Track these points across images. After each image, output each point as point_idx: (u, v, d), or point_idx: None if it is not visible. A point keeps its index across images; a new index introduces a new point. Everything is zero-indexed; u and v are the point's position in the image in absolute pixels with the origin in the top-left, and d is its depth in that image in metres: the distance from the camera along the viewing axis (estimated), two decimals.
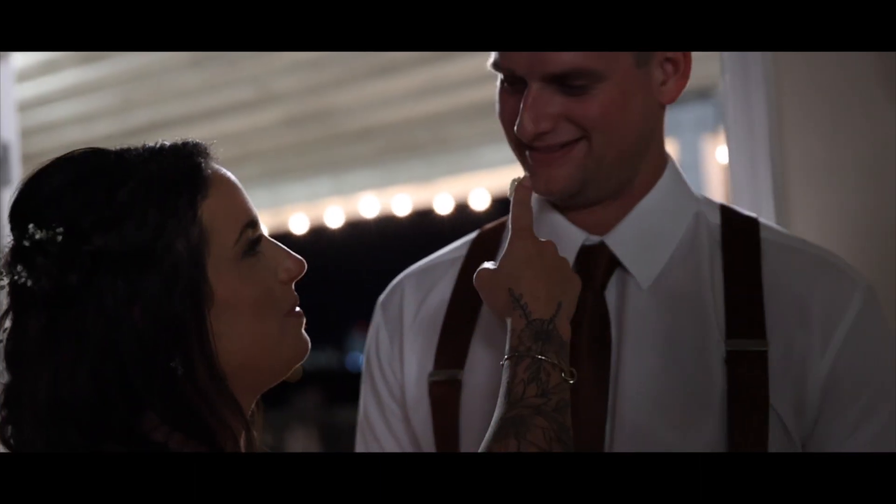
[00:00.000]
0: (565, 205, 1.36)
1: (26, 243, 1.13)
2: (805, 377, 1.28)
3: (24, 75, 4.17)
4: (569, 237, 1.35)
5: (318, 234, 6.62)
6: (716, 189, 5.03)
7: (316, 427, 10.93)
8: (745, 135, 1.70)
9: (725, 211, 1.38)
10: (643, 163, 1.34)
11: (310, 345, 1.24)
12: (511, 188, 1.29)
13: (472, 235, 1.46)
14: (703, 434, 1.27)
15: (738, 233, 1.35)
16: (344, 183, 5.96)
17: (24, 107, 4.23)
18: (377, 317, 1.47)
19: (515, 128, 1.29)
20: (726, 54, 1.71)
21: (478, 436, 1.29)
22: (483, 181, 5.74)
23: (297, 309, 1.23)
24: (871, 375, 1.29)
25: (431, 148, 5.37)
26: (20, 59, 2.88)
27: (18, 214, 1.15)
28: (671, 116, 5.19)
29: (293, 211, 6.42)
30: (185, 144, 1.19)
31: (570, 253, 1.34)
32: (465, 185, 5.81)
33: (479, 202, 5.88)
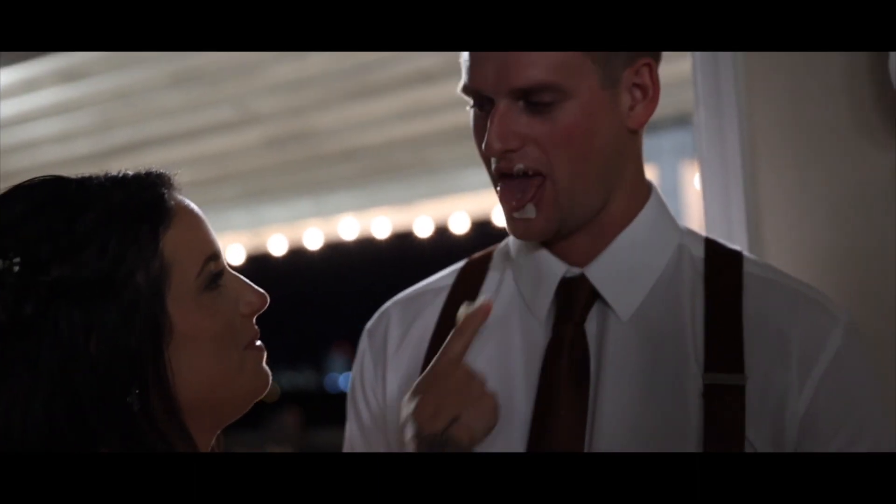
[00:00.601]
0: (568, 230, 1.34)
1: None
2: (783, 413, 1.27)
3: (4, 93, 4.16)
4: (550, 269, 1.35)
5: (298, 255, 6.61)
6: (695, 214, 5.04)
7: (294, 448, 10.89)
8: (718, 168, 1.71)
9: (710, 244, 1.38)
10: (618, 190, 1.34)
11: (270, 378, 1.22)
12: (462, 311, 1.29)
13: (461, 264, 1.47)
14: None
15: (721, 266, 1.35)
16: (324, 204, 5.95)
17: (3, 125, 4.22)
18: (363, 344, 1.48)
19: (483, 146, 1.29)
20: (700, 87, 1.72)
21: None
22: (463, 204, 5.75)
23: (258, 343, 1.21)
24: (848, 413, 1.29)
25: (412, 170, 5.37)
26: None
27: None
28: (651, 142, 5.19)
29: (272, 232, 6.41)
30: (148, 174, 1.17)
31: (550, 284, 1.35)
32: (446, 209, 5.82)
33: (460, 226, 5.89)
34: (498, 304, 1.36)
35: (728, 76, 1.68)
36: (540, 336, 1.35)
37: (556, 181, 1.28)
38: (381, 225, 6.06)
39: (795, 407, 1.27)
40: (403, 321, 1.44)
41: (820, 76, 1.62)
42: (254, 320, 1.20)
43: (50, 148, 5.15)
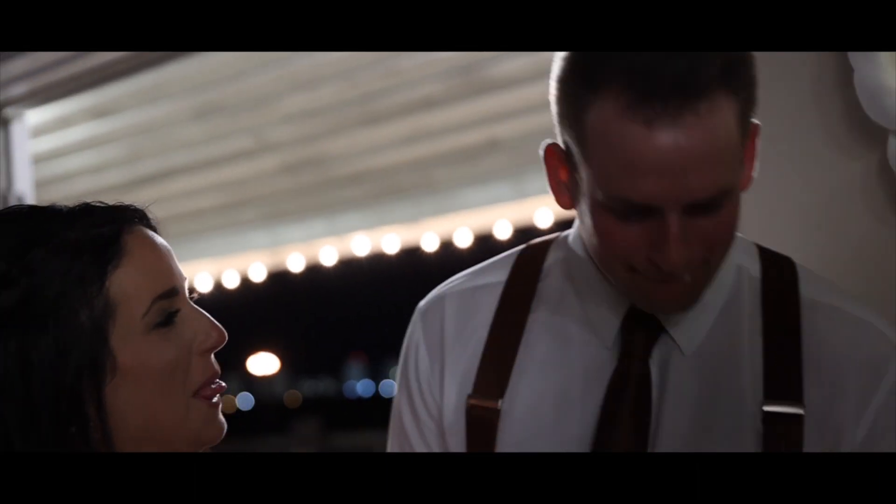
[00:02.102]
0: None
1: None
2: (840, 444, 1.21)
3: (39, 130, 4.18)
4: (618, 299, 1.27)
5: (315, 272, 6.61)
6: None
7: (315, 450, 10.88)
8: None
9: (764, 258, 1.30)
10: None
11: (223, 430, 1.14)
12: None
13: (515, 256, 1.38)
14: None
15: (779, 288, 1.26)
16: (337, 224, 5.95)
17: (39, 159, 4.23)
18: (417, 328, 1.39)
19: (654, 259, 1.15)
20: None
21: None
22: (466, 221, 5.75)
23: (214, 385, 1.13)
24: None
25: (418, 191, 5.37)
26: (35, 116, 2.89)
27: None
28: None
29: (290, 251, 6.41)
30: (113, 209, 1.12)
31: (618, 310, 1.27)
32: (450, 225, 5.81)
33: (463, 240, 5.89)
34: (558, 312, 1.30)
35: None
36: (601, 359, 1.28)
37: (712, 266, 1.21)
38: (390, 242, 6.07)
39: (853, 437, 1.21)
40: (459, 317, 1.35)
41: (792, 92, 1.62)
42: (212, 359, 1.14)
43: (83, 179, 5.16)
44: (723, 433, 1.22)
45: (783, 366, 1.21)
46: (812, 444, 1.20)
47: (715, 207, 1.14)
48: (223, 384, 1.15)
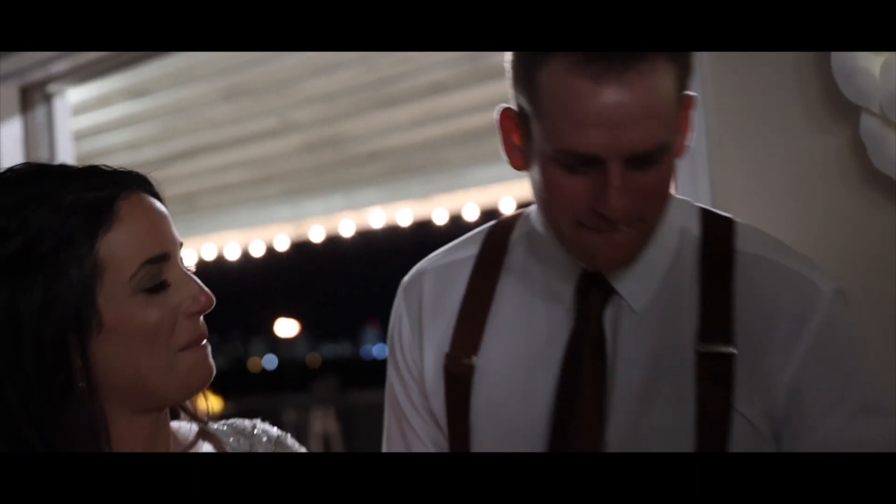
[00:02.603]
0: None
1: None
2: (771, 387, 1.22)
3: (80, 109, 4.17)
4: (573, 263, 1.29)
5: (334, 243, 6.61)
6: None
7: (333, 407, 10.94)
8: (687, 159, 1.70)
9: (704, 218, 1.31)
10: None
11: (212, 373, 1.12)
12: None
13: (486, 232, 1.39)
14: (682, 431, 1.22)
15: (715, 244, 1.27)
16: (354, 199, 5.94)
17: (80, 136, 4.23)
18: (400, 302, 1.42)
19: (597, 207, 1.17)
20: None
21: (489, 420, 1.29)
22: (474, 197, 5.74)
23: (203, 343, 1.12)
24: (833, 381, 1.22)
25: (429, 169, 5.36)
26: (76, 95, 2.88)
27: None
28: None
29: (312, 224, 6.41)
30: (114, 174, 1.11)
31: (571, 275, 1.29)
32: (459, 201, 5.80)
33: (471, 215, 5.89)
34: (524, 278, 1.32)
35: (695, 75, 1.67)
36: (564, 324, 1.30)
37: (649, 222, 1.22)
38: (403, 215, 6.07)
39: (781, 381, 1.21)
40: (436, 290, 1.38)
41: (772, 70, 1.61)
42: (200, 320, 1.12)
43: (120, 155, 5.16)
44: (669, 380, 1.24)
45: (716, 311, 1.22)
46: (745, 386, 1.21)
47: (652, 162, 1.16)
48: (204, 340, 1.13)
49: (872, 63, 1.43)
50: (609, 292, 1.28)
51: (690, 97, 1.23)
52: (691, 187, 1.68)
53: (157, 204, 1.13)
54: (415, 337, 1.37)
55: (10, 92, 2.62)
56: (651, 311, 1.27)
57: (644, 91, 1.12)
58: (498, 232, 1.38)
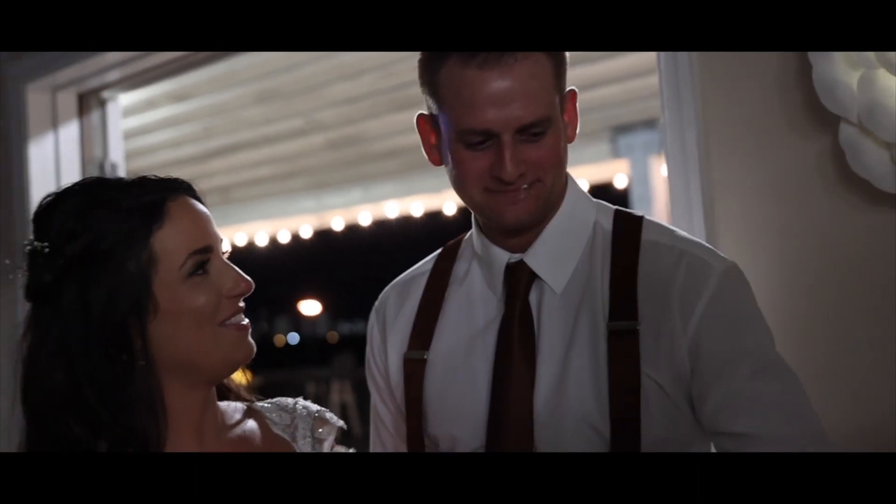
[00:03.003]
0: (489, 230, 1.35)
1: (27, 251, 1.13)
2: (674, 355, 1.24)
3: (129, 111, 4.18)
4: (497, 257, 1.35)
5: (353, 232, 6.63)
6: (660, 199, 5.00)
7: (350, 381, 10.97)
8: (680, 160, 1.70)
9: (617, 216, 1.36)
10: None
11: (253, 350, 1.17)
12: None
13: (438, 252, 1.48)
14: (600, 400, 1.25)
15: (624, 235, 1.32)
16: (372, 193, 5.95)
17: (129, 135, 4.24)
18: (371, 320, 1.48)
19: (496, 174, 1.25)
20: (665, 94, 1.70)
21: (439, 403, 1.35)
22: None
23: (243, 322, 1.17)
24: (727, 345, 1.23)
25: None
26: (125, 99, 2.89)
27: (32, 228, 1.15)
28: (625, 141, 5.10)
29: (333, 214, 6.42)
30: (162, 181, 1.16)
31: (499, 269, 1.35)
32: None
33: None
34: (466, 282, 1.39)
35: (687, 84, 1.68)
36: (496, 308, 1.35)
37: (545, 184, 1.28)
38: (416, 207, 6.07)
39: (682, 346, 1.24)
40: (398, 301, 1.45)
41: (759, 83, 1.61)
42: (240, 302, 1.17)
43: (164, 152, 5.18)
44: (585, 348, 1.28)
45: (622, 292, 1.28)
46: (652, 353, 1.24)
47: (538, 135, 1.25)
48: (245, 320, 1.17)
49: (851, 77, 1.44)
50: (532, 277, 1.33)
51: (573, 92, 1.32)
52: (683, 188, 1.68)
53: (200, 205, 1.18)
54: (382, 343, 1.44)
55: (69, 98, 2.64)
56: (568, 292, 1.31)
57: (522, 73, 1.23)
58: (448, 249, 1.46)
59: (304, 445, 1.23)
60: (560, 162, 1.29)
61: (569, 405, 1.26)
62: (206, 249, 1.14)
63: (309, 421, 1.25)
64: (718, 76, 1.65)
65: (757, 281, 1.36)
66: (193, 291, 1.12)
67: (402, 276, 1.49)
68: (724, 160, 1.66)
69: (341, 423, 1.27)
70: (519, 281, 1.33)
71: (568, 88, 1.31)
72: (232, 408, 1.25)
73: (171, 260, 1.12)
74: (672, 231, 1.34)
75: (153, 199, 1.13)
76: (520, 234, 1.33)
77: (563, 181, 1.33)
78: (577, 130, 1.34)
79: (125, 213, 1.11)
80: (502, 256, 1.35)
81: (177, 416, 1.14)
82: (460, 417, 1.33)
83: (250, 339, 1.17)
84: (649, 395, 1.24)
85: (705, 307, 1.24)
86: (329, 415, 1.28)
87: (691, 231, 1.58)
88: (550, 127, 1.25)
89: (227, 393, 1.26)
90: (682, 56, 1.66)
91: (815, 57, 1.49)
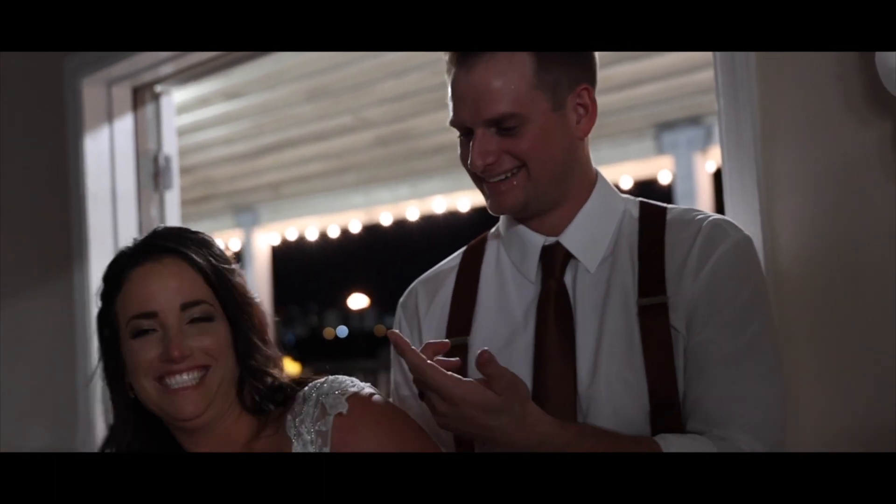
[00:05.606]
0: (521, 217, 1.39)
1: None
2: (686, 299, 1.30)
3: (182, 108, 4.19)
4: (532, 240, 1.39)
5: (401, 226, 6.62)
6: (704, 194, 4.91)
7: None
8: (735, 150, 1.62)
9: (643, 206, 1.41)
10: (573, 181, 1.37)
11: (184, 412, 1.22)
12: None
13: (463, 249, 1.48)
14: (635, 368, 1.29)
15: (650, 218, 1.38)
16: (420, 188, 5.93)
17: (182, 132, 4.25)
18: (399, 314, 1.49)
19: (469, 164, 1.32)
20: (720, 80, 1.62)
21: None
22: None
23: (174, 386, 1.22)
24: (722, 296, 1.29)
25: None
26: (179, 96, 2.88)
27: None
28: (669, 137, 5.01)
29: (381, 210, 6.41)
30: (146, 246, 1.26)
31: (534, 252, 1.39)
32: None
33: None
34: (497, 272, 1.41)
35: (743, 72, 1.59)
36: (531, 290, 1.38)
37: (530, 170, 1.32)
38: (463, 203, 6.03)
39: (690, 293, 1.29)
40: (428, 295, 1.46)
41: (817, 67, 1.53)
42: (176, 366, 1.22)
43: (217, 148, 5.19)
44: (619, 323, 1.32)
45: (650, 270, 1.33)
46: (674, 307, 1.29)
47: (512, 128, 1.30)
48: (178, 384, 1.24)
49: None
50: (566, 258, 1.37)
51: (586, 88, 1.34)
52: (738, 180, 1.59)
53: (170, 269, 1.26)
54: (413, 335, 1.44)
55: (124, 91, 2.63)
56: (601, 271, 1.36)
57: (492, 73, 1.29)
58: (475, 245, 1.48)
59: (299, 446, 1.22)
60: (547, 152, 1.32)
61: (604, 376, 1.30)
62: (148, 315, 1.22)
63: (315, 413, 1.23)
64: (775, 62, 1.57)
65: (819, 273, 1.30)
66: (134, 351, 1.23)
67: (427, 272, 1.51)
68: (780, 149, 1.57)
69: (377, 396, 1.25)
70: (554, 261, 1.37)
71: (581, 85, 1.34)
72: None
73: (123, 323, 1.24)
74: (694, 210, 1.40)
75: (116, 270, 1.25)
76: (547, 215, 1.37)
77: (564, 174, 1.35)
78: (593, 126, 1.35)
79: (106, 284, 1.27)
80: (538, 239, 1.39)
81: (182, 445, 1.27)
82: None
83: (184, 402, 1.22)
84: (678, 349, 1.29)
85: (715, 262, 1.30)
86: (367, 389, 1.26)
87: (748, 225, 1.50)
88: (526, 121, 1.30)
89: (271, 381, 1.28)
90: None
91: None
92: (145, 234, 1.30)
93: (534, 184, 1.33)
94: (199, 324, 1.22)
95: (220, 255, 1.27)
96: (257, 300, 1.30)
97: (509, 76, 1.29)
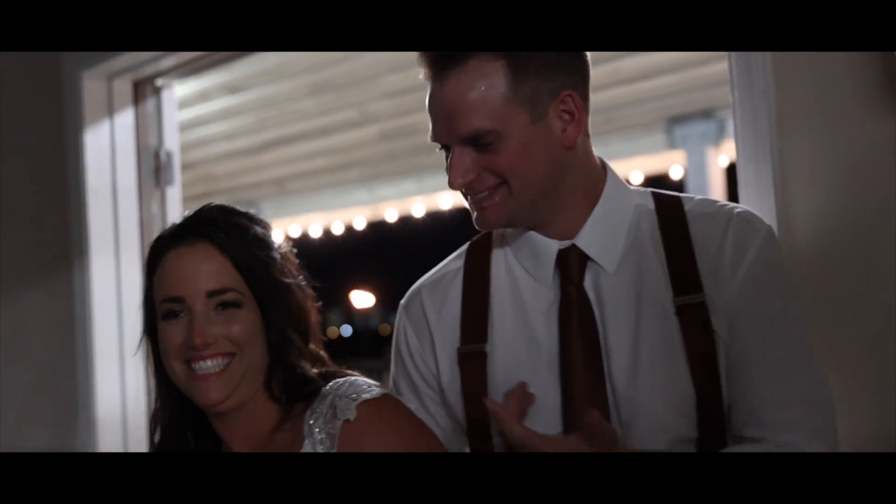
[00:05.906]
0: (532, 224, 1.34)
1: None
2: (725, 300, 1.26)
3: (184, 103, 4.17)
4: (546, 246, 1.34)
5: (406, 223, 6.60)
6: (717, 190, 4.88)
7: None
8: (751, 143, 1.59)
9: (656, 196, 1.37)
10: (568, 189, 1.31)
11: (208, 399, 1.23)
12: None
13: (465, 247, 1.43)
14: (678, 372, 1.25)
15: (668, 212, 1.34)
16: (425, 184, 5.91)
17: (184, 127, 4.23)
18: (402, 317, 1.43)
19: (448, 182, 1.29)
20: (735, 72, 1.60)
21: (502, 393, 1.29)
22: None
23: (199, 372, 1.23)
24: (766, 299, 1.27)
25: None
26: (180, 91, 2.86)
27: None
28: (682, 131, 4.96)
29: (386, 206, 6.40)
30: (183, 229, 1.26)
31: (550, 257, 1.33)
32: None
33: None
34: (509, 276, 1.36)
35: (758, 64, 1.57)
36: (547, 296, 1.33)
37: (511, 186, 1.28)
38: None
39: (729, 295, 1.26)
40: (435, 301, 1.40)
41: (832, 58, 1.50)
42: (201, 352, 1.23)
43: (218, 144, 5.18)
44: (653, 326, 1.28)
45: (682, 267, 1.29)
46: (713, 309, 1.26)
47: (488, 145, 1.25)
48: (203, 370, 1.25)
49: None
50: (583, 261, 1.32)
51: (569, 94, 1.28)
52: (753, 173, 1.57)
53: (199, 254, 1.26)
54: (424, 344, 1.39)
55: (125, 85, 2.61)
56: (621, 272, 1.31)
57: (464, 87, 1.24)
58: (477, 244, 1.42)
59: (308, 445, 1.20)
60: (528, 166, 1.27)
61: (645, 380, 1.26)
62: (176, 299, 1.23)
63: (327, 414, 1.21)
64: (790, 54, 1.55)
65: (835, 267, 1.28)
66: (164, 333, 1.24)
67: (428, 275, 1.44)
68: (795, 142, 1.55)
69: (350, 415, 1.20)
70: (571, 266, 1.32)
71: (564, 92, 1.27)
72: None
73: (157, 303, 1.26)
74: (709, 199, 1.37)
75: (154, 252, 1.27)
76: (559, 219, 1.33)
77: (554, 185, 1.30)
78: (582, 131, 1.30)
79: (147, 268, 1.28)
80: (552, 244, 1.34)
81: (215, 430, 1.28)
82: (532, 407, 1.28)
83: (207, 389, 1.22)
84: (719, 351, 1.26)
85: (751, 262, 1.27)
86: (343, 405, 1.21)
87: (763, 218, 1.47)
88: (502, 137, 1.25)
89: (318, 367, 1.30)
90: None
91: None
92: (147, 230, 1.32)
93: (516, 199, 1.28)
94: (227, 310, 1.22)
95: (257, 240, 1.25)
96: (303, 283, 1.29)
97: (481, 90, 1.24)
